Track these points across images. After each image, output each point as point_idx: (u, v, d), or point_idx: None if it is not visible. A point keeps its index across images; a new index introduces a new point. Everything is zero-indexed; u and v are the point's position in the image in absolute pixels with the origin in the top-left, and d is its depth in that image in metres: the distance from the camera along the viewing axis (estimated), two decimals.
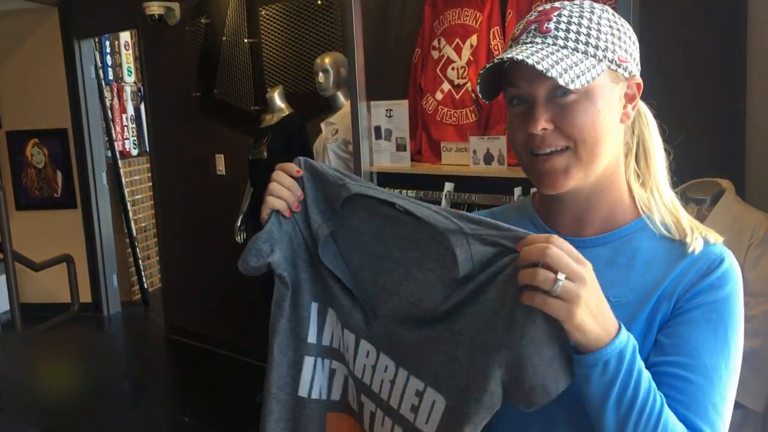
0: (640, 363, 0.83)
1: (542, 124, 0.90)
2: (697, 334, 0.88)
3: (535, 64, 0.85)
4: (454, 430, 0.86)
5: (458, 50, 3.03)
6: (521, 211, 1.08)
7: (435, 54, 3.13)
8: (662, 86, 2.57)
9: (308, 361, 1.03)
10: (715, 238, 0.94)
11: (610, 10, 0.94)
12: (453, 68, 3.06)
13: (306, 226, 1.03)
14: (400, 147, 2.97)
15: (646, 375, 0.83)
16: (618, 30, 0.93)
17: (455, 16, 3.06)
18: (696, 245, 0.92)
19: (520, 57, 0.86)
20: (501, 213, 1.12)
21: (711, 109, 2.53)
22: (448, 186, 2.81)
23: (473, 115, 3.00)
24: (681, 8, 2.56)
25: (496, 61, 0.90)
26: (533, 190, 1.04)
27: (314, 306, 1.03)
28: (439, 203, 2.82)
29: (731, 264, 0.92)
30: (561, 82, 0.85)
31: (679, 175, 2.45)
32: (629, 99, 0.96)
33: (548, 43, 0.89)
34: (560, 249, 0.78)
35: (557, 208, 1.00)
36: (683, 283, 0.91)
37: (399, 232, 0.96)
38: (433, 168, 2.99)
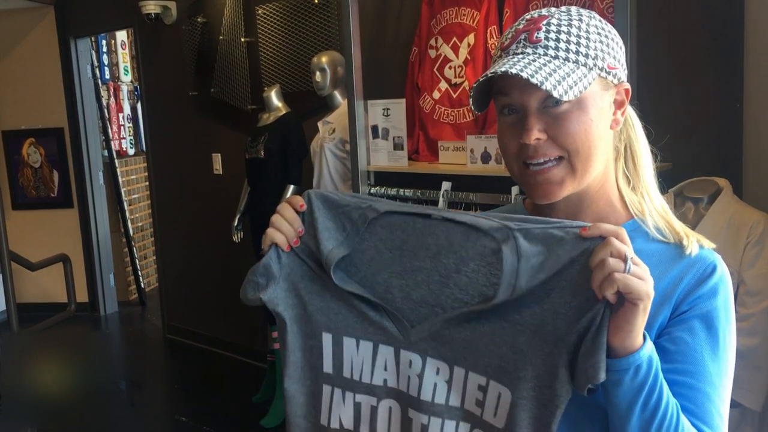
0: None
1: (535, 135, 0.89)
2: (700, 340, 0.90)
3: (529, 77, 0.84)
4: (526, 421, 0.85)
5: (455, 49, 3.03)
6: (513, 214, 1.08)
7: (432, 53, 3.13)
8: (660, 86, 2.57)
9: (326, 390, 1.01)
10: (708, 244, 0.95)
11: (597, 16, 0.94)
12: (450, 67, 3.05)
13: (310, 257, 1.00)
14: (398, 146, 2.97)
15: (664, 380, 0.85)
16: (606, 36, 0.93)
17: (452, 15, 3.05)
18: (693, 248, 0.93)
19: (513, 70, 0.86)
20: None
21: (708, 108, 2.54)
22: (446, 185, 2.81)
23: (470, 114, 3.00)
24: (678, 8, 2.56)
25: (489, 74, 0.89)
26: (514, 189, 1.04)
27: (327, 336, 1.00)
28: (436, 203, 2.82)
29: (723, 270, 0.93)
30: (555, 94, 0.85)
31: (676, 174, 2.46)
32: (618, 105, 0.96)
33: (539, 54, 0.89)
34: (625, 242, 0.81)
35: (549, 211, 1.00)
36: (681, 287, 0.91)
37: (427, 242, 0.94)
38: (430, 167, 2.99)
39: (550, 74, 0.86)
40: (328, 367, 1.00)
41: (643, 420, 0.83)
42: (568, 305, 0.83)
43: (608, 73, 0.92)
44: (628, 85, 0.96)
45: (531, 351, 0.85)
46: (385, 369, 0.96)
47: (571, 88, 0.86)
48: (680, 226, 0.97)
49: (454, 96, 3.04)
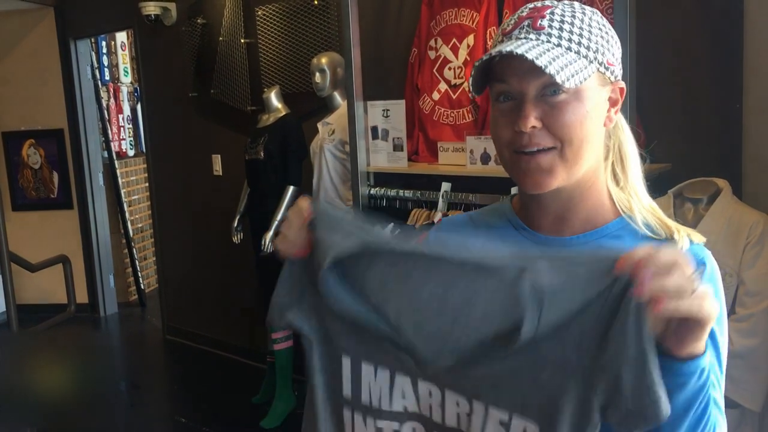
0: None
1: (532, 122, 0.88)
2: None
3: (534, 59, 0.84)
4: None
5: (455, 50, 3.03)
6: (500, 213, 1.07)
7: (432, 54, 3.13)
8: (659, 86, 2.57)
9: (347, 414, 0.96)
10: (698, 239, 0.95)
11: (599, 13, 0.94)
12: (450, 68, 3.06)
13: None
14: (397, 147, 2.97)
15: None
16: (606, 33, 0.93)
17: (452, 16, 3.06)
18: (683, 242, 0.93)
19: (519, 51, 0.85)
20: (479, 217, 1.11)
21: (708, 109, 2.54)
22: (445, 186, 2.81)
23: (470, 115, 3.00)
24: (677, 8, 2.57)
25: (493, 53, 0.88)
26: (513, 190, 1.04)
27: (346, 360, 0.94)
28: (436, 203, 2.82)
29: (713, 266, 0.93)
30: (558, 79, 0.84)
31: (676, 175, 2.46)
32: (613, 103, 0.96)
33: (542, 40, 0.88)
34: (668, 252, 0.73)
35: (537, 209, 1.00)
36: None
37: (434, 272, 0.86)
38: (430, 168, 2.99)
39: (554, 59, 0.85)
40: (347, 390, 0.96)
41: (693, 420, 0.79)
42: (592, 340, 0.76)
43: (607, 68, 0.92)
44: (623, 84, 0.96)
45: (555, 387, 0.78)
46: (403, 397, 0.91)
47: (573, 76, 0.86)
48: (671, 222, 0.97)
49: (454, 97, 3.05)
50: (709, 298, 0.72)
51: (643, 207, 0.98)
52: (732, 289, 2.00)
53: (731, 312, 2.01)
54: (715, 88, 2.52)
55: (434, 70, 3.12)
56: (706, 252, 0.94)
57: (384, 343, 0.90)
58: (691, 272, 0.71)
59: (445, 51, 3.07)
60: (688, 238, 0.94)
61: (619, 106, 0.97)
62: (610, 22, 0.96)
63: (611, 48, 0.93)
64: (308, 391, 0.99)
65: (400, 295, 0.88)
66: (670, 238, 0.94)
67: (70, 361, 4.97)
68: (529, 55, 0.84)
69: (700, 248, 0.94)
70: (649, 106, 2.59)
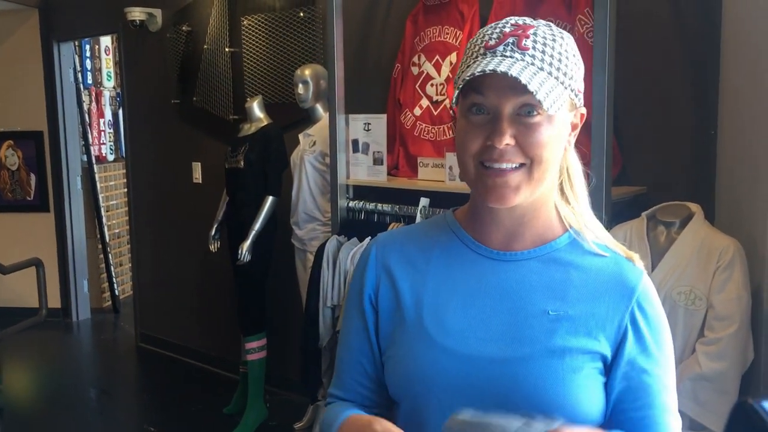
0: None
1: (507, 140, 0.89)
2: (649, 374, 0.95)
3: (527, 83, 0.85)
4: None
5: (438, 67, 3.06)
6: (442, 226, 1.07)
7: (415, 70, 3.15)
8: (637, 111, 2.61)
9: None
10: (640, 265, 1.00)
11: (572, 38, 0.96)
12: (432, 85, 3.08)
13: None
14: (377, 161, 2.98)
15: None
16: (578, 60, 0.95)
17: (435, 34, 3.08)
18: (640, 264, 0.99)
19: (512, 72, 0.86)
20: (420, 230, 1.11)
21: (684, 134, 2.58)
22: (424, 201, 2.83)
23: (451, 132, 3.02)
24: (656, 34, 2.61)
25: (487, 70, 0.87)
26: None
27: None
28: (414, 218, 2.83)
29: (654, 294, 0.98)
30: (545, 105, 0.86)
31: (650, 198, 2.48)
32: (573, 127, 0.98)
33: (527, 62, 0.88)
34: None
35: (490, 223, 1.00)
36: (618, 320, 0.95)
37: None
38: (409, 183, 3.01)
39: (541, 84, 0.87)
40: None
41: None
42: None
43: (576, 95, 0.95)
44: (584, 110, 0.99)
45: None
46: None
47: (555, 101, 0.88)
48: (618, 243, 1.02)
49: (435, 113, 3.07)
50: None
51: (591, 224, 1.01)
52: (701, 313, 2.02)
53: (700, 335, 2.04)
54: (691, 114, 2.56)
55: (417, 86, 3.14)
56: (646, 279, 0.98)
57: None
58: None
59: (428, 67, 3.09)
60: (630, 260, 0.99)
61: (578, 130, 0.99)
62: (590, 48, 0.98)
63: (581, 75, 0.95)
64: None
65: None
66: (618, 255, 0.99)
67: (39, 367, 4.90)
68: (522, 78, 0.85)
69: (640, 273, 0.98)
70: (626, 130, 2.63)
